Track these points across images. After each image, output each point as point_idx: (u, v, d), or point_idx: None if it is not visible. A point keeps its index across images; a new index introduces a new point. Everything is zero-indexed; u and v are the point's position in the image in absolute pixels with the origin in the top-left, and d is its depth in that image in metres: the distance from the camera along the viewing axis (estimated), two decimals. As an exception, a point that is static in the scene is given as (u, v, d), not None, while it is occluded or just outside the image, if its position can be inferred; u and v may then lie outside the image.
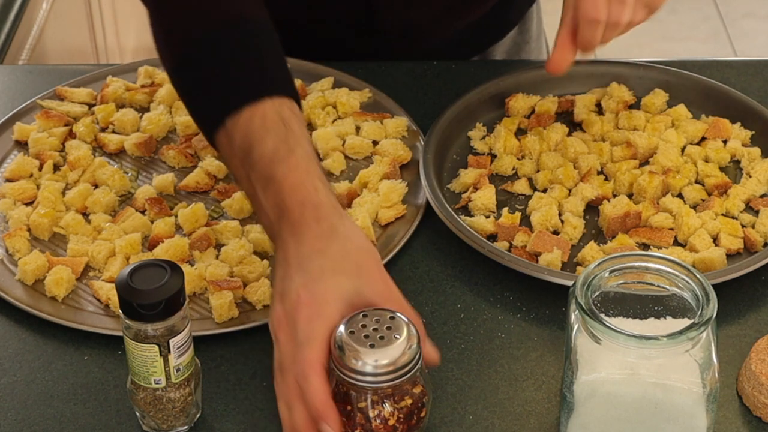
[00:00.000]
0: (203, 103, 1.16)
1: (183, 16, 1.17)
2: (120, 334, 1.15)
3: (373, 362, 0.96)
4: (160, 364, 1.02)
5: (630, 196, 1.30)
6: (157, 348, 1.01)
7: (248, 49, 1.15)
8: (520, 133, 1.40)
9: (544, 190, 1.31)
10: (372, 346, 0.96)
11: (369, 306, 1.00)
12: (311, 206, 1.05)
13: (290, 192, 1.06)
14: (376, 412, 0.98)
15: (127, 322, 1.01)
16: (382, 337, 0.97)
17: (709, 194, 1.30)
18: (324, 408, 0.98)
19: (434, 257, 1.26)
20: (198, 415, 1.09)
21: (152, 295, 0.99)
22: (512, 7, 1.60)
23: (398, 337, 0.97)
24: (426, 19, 1.50)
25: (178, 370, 1.03)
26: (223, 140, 1.12)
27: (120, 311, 1.01)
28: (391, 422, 0.98)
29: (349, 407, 0.98)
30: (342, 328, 0.97)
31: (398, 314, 0.99)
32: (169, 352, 1.02)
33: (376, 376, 0.96)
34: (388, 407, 0.98)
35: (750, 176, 1.32)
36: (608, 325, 0.95)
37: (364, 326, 0.98)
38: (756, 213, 1.28)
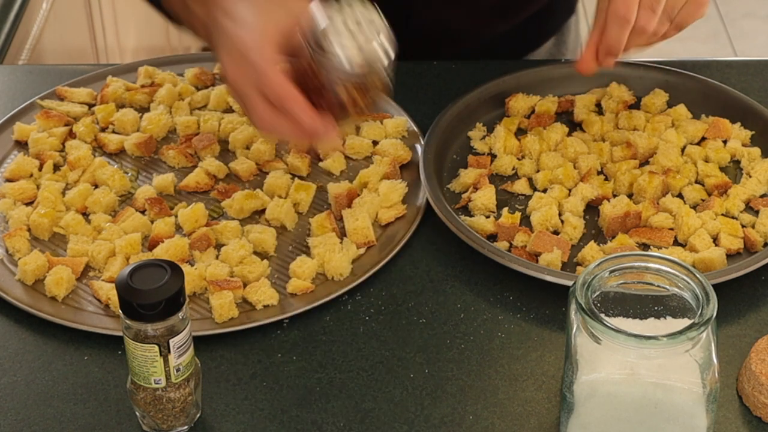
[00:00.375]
0: None
1: None
2: (120, 334, 1.15)
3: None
4: (160, 364, 1.02)
5: (630, 196, 1.30)
6: (157, 348, 1.01)
7: None
8: (520, 133, 1.40)
9: (544, 190, 1.31)
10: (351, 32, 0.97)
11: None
12: None
13: None
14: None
15: (127, 322, 1.01)
16: (358, 24, 0.97)
17: (709, 194, 1.31)
18: (310, 119, 1.04)
19: (434, 257, 1.26)
20: (198, 415, 1.09)
21: (152, 295, 0.99)
22: (551, 18, 1.61)
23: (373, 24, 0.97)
24: (463, 23, 1.50)
25: (178, 370, 1.03)
26: None
27: (120, 311, 1.01)
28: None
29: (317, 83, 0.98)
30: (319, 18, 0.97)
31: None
32: (169, 352, 1.02)
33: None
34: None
35: (750, 176, 1.32)
36: (608, 325, 0.95)
37: (340, 15, 0.98)
38: (756, 213, 1.28)
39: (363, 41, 0.97)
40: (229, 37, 1.09)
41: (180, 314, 1.01)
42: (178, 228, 1.28)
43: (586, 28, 1.69)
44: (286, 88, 1.05)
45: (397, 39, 1.42)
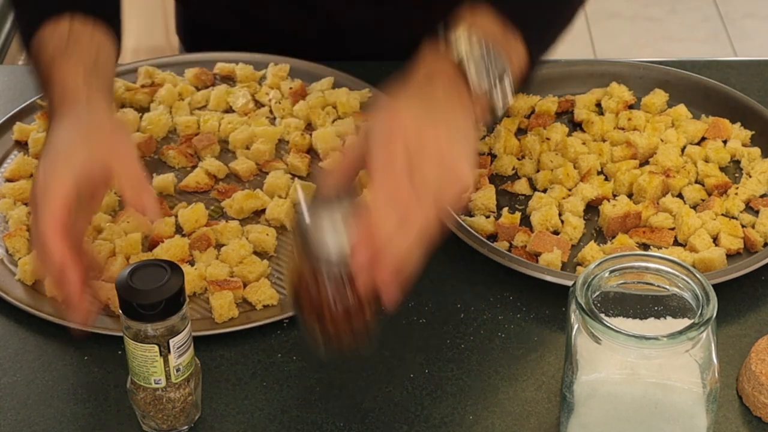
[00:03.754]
0: (20, 21, 1.21)
1: None
2: (120, 334, 1.15)
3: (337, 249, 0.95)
4: (160, 364, 1.02)
5: (630, 196, 1.30)
6: (157, 348, 1.01)
7: None
8: (520, 133, 1.40)
9: (544, 190, 1.31)
10: (329, 230, 0.96)
11: (104, 163, 1.03)
12: (66, 91, 1.10)
13: (58, 89, 1.11)
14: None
15: (127, 322, 1.01)
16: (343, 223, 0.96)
17: (709, 194, 1.30)
18: (58, 268, 1.02)
19: (434, 257, 1.25)
20: (198, 415, 1.09)
21: (152, 295, 0.99)
22: None
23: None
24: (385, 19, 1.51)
25: (178, 370, 1.03)
26: (30, 59, 1.18)
27: (120, 311, 1.01)
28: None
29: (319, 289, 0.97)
30: (305, 206, 0.97)
31: None
32: (169, 352, 1.02)
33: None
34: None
35: (750, 176, 1.32)
36: (608, 325, 0.95)
37: (330, 210, 0.97)
38: (756, 213, 1.28)
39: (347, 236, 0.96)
40: (38, 168, 1.07)
41: (180, 314, 1.01)
42: (178, 228, 1.28)
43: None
44: (65, 259, 1.03)
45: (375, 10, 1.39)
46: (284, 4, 1.52)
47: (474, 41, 1.05)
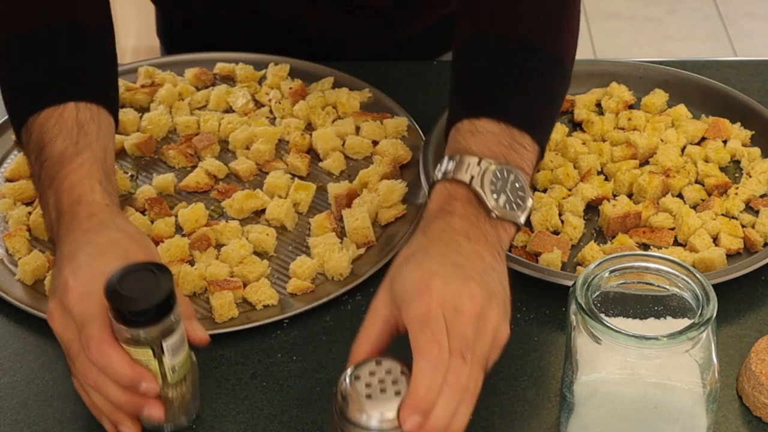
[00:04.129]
0: (12, 99, 1.17)
1: (17, 8, 1.17)
2: (120, 334, 1.15)
3: (378, 416, 0.92)
4: (155, 366, 1.02)
5: (630, 196, 1.30)
6: (150, 351, 1.01)
7: (68, 53, 1.16)
8: (520, 133, 1.39)
9: (544, 190, 1.31)
10: (369, 396, 0.93)
11: None
12: (84, 204, 1.06)
13: (68, 192, 1.07)
14: None
15: (119, 326, 1.00)
16: (383, 390, 0.93)
17: (709, 194, 1.31)
18: (135, 372, 0.99)
19: (434, 257, 1.25)
20: (198, 411, 1.09)
21: (142, 301, 0.98)
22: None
23: (399, 393, 0.93)
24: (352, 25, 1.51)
25: (173, 371, 1.03)
26: (25, 138, 1.14)
27: (110, 316, 1.00)
28: None
29: None
30: (349, 371, 0.94)
31: (410, 370, 0.93)
32: (163, 353, 1.01)
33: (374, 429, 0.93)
34: None
35: (750, 176, 1.32)
36: (608, 325, 0.95)
37: (372, 374, 0.94)
38: (756, 213, 1.28)
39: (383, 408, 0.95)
40: (61, 291, 1.02)
41: (171, 316, 1.00)
42: (178, 228, 1.28)
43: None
44: (137, 370, 1.00)
45: (347, 18, 1.39)
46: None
47: (483, 166, 1.03)
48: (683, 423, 0.99)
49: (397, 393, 0.93)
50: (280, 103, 1.43)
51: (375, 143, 1.38)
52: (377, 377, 0.94)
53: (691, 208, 1.28)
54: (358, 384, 0.94)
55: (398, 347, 0.97)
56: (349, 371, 0.95)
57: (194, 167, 1.36)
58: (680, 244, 1.25)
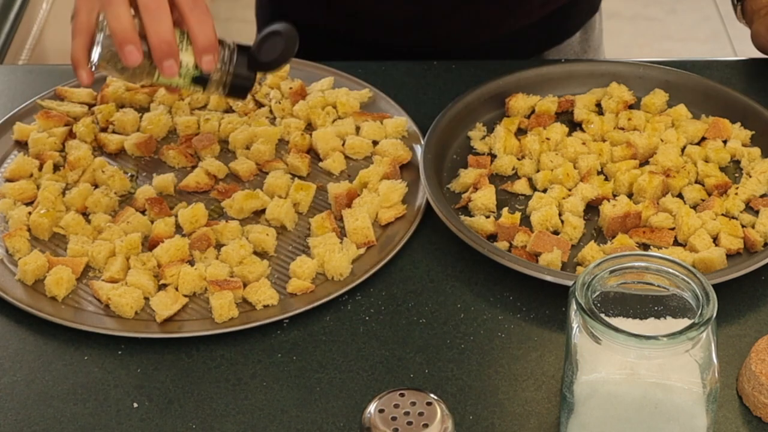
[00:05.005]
0: None
1: None
2: (120, 334, 1.15)
3: None
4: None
5: (630, 196, 1.30)
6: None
7: None
8: (520, 133, 1.40)
9: (544, 190, 1.31)
10: (395, 430, 0.91)
11: None
12: None
13: None
14: None
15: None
16: (410, 423, 0.92)
17: (709, 194, 1.31)
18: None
19: (434, 257, 1.26)
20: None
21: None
22: (574, 14, 1.61)
23: (427, 425, 0.91)
24: (478, 16, 1.51)
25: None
26: None
27: None
28: None
29: None
30: (373, 406, 0.93)
31: (436, 401, 0.93)
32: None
33: None
34: None
35: (750, 176, 1.32)
36: (608, 325, 0.94)
37: (396, 406, 0.93)
38: (756, 213, 1.28)
39: None
40: None
41: None
42: (178, 228, 1.28)
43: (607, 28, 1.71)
44: None
45: (416, 36, 1.40)
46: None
47: None
48: (683, 423, 0.99)
49: (425, 425, 0.91)
50: (280, 103, 1.43)
51: (375, 143, 1.38)
52: (402, 409, 0.92)
53: (691, 208, 1.28)
54: (382, 417, 0.92)
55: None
56: (372, 405, 0.93)
57: (194, 167, 1.36)
58: (680, 244, 1.25)
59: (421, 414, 0.92)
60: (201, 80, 1.20)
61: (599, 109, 1.43)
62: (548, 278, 1.19)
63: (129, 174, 1.35)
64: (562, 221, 1.27)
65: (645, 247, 1.25)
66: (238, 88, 1.22)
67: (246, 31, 4.03)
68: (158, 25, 1.15)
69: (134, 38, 1.15)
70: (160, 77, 1.19)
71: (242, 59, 1.20)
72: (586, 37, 1.66)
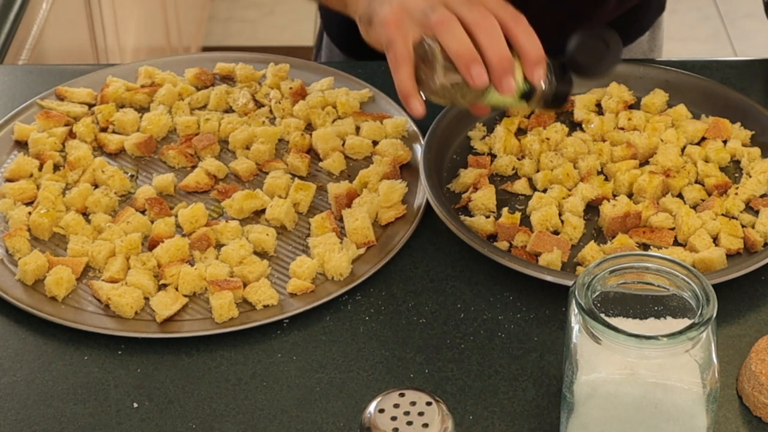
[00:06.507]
0: None
1: None
2: (120, 334, 1.15)
3: None
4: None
5: (630, 196, 1.30)
6: None
7: None
8: (520, 133, 1.40)
9: (544, 190, 1.31)
10: (395, 430, 0.91)
11: None
12: None
13: None
14: None
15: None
16: (410, 423, 0.91)
17: (709, 194, 1.31)
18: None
19: (434, 257, 1.26)
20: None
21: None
22: (645, 15, 1.62)
23: (427, 425, 0.91)
24: (549, 20, 1.51)
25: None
26: None
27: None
28: None
29: None
30: (373, 406, 0.92)
31: (436, 401, 0.93)
32: None
33: None
34: None
35: (750, 176, 1.32)
36: (608, 325, 0.94)
37: (396, 406, 0.92)
38: (756, 213, 1.28)
39: None
40: None
41: None
42: (178, 228, 1.28)
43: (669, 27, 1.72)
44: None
45: None
46: None
47: None
48: (683, 423, 0.99)
49: (425, 425, 0.91)
50: (280, 103, 1.43)
51: (375, 143, 1.38)
52: (402, 409, 0.92)
53: (691, 208, 1.28)
54: (382, 417, 0.92)
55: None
56: (372, 405, 0.93)
57: (194, 167, 1.36)
58: (680, 244, 1.25)
59: (421, 414, 0.92)
60: (528, 95, 1.15)
61: (599, 109, 1.43)
62: (548, 278, 1.19)
63: (129, 174, 1.35)
64: (562, 221, 1.27)
65: (645, 247, 1.25)
66: (561, 97, 1.17)
67: (246, 31, 4.04)
68: (495, 41, 1.11)
69: (479, 58, 1.11)
70: (492, 96, 1.14)
71: (559, 67, 1.16)
72: (653, 36, 1.66)
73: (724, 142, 1.38)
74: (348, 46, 1.63)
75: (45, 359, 1.15)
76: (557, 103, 1.18)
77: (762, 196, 1.31)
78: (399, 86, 1.14)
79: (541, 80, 1.14)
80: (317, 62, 1.53)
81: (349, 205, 1.29)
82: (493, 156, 1.36)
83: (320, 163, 1.36)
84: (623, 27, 1.60)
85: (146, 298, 1.20)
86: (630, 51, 1.64)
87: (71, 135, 1.40)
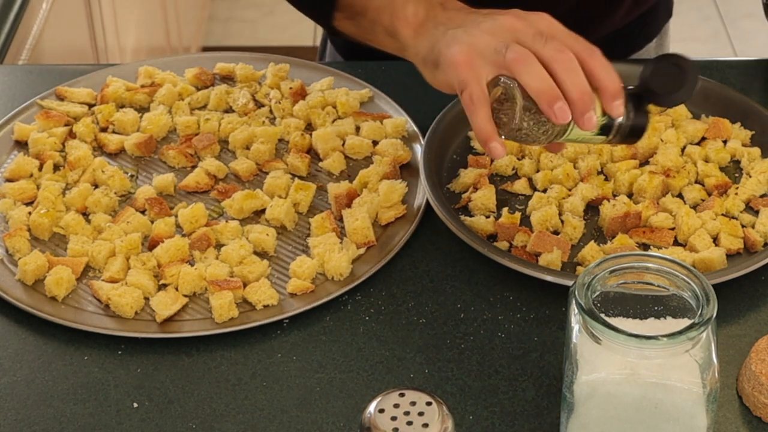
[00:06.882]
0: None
1: None
2: (120, 334, 1.15)
3: None
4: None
5: (630, 196, 1.30)
6: None
7: None
8: (520, 133, 1.39)
9: (544, 190, 1.31)
10: (395, 430, 0.90)
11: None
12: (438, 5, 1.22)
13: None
14: None
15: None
16: (410, 423, 0.91)
17: (709, 194, 1.31)
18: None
19: (434, 257, 1.26)
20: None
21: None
22: (653, 20, 1.62)
23: (427, 425, 0.90)
24: (571, 23, 1.51)
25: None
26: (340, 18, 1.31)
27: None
28: None
29: None
30: (373, 406, 0.92)
31: (436, 401, 0.92)
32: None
33: None
34: None
35: (750, 176, 1.32)
36: (608, 325, 0.94)
37: (396, 406, 0.92)
38: (756, 213, 1.28)
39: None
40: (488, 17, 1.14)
41: None
42: (178, 228, 1.28)
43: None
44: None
45: None
46: None
47: None
48: (683, 423, 0.99)
49: (425, 425, 0.90)
50: (280, 103, 1.43)
51: (375, 143, 1.38)
52: (402, 409, 0.92)
53: (691, 208, 1.28)
54: (382, 417, 0.91)
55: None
56: (372, 405, 0.92)
57: (194, 167, 1.36)
58: (680, 244, 1.25)
59: (421, 414, 0.92)
60: (606, 128, 1.13)
61: (599, 109, 1.42)
62: (548, 278, 1.19)
63: (129, 174, 1.35)
64: (562, 221, 1.27)
65: (645, 247, 1.25)
66: (639, 129, 1.14)
67: (246, 31, 4.04)
68: (576, 77, 1.09)
69: (561, 95, 1.08)
70: (572, 132, 1.12)
71: (635, 99, 1.13)
72: (661, 43, 1.67)
73: (724, 142, 1.38)
74: (352, 55, 1.63)
75: (45, 359, 1.15)
76: (635, 136, 1.15)
77: (762, 196, 1.31)
78: (478, 130, 1.11)
79: (620, 112, 1.11)
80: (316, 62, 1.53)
81: (349, 205, 1.29)
82: (493, 156, 1.36)
83: (320, 163, 1.36)
84: (632, 34, 1.60)
85: (146, 298, 1.20)
86: (639, 56, 1.64)
87: (71, 135, 1.40)
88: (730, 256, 1.23)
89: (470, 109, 1.11)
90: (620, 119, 1.12)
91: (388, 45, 1.28)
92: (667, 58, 1.13)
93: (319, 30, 3.93)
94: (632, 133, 1.14)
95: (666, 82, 1.13)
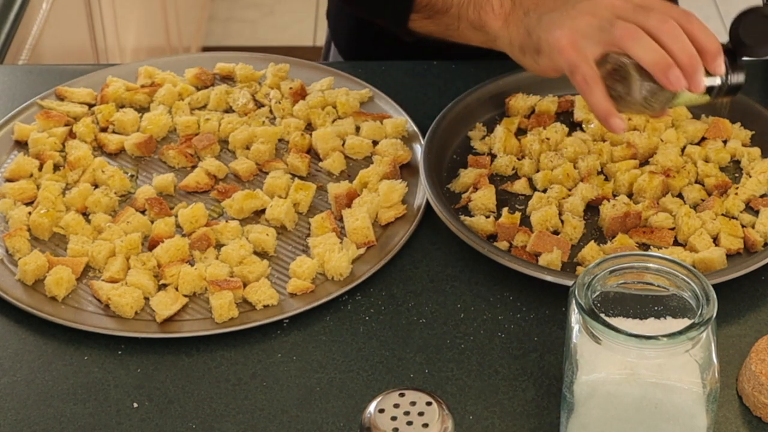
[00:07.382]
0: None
1: None
2: (120, 334, 1.15)
3: None
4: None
5: (630, 196, 1.30)
6: None
7: None
8: (520, 133, 1.40)
9: (544, 190, 1.31)
10: (395, 430, 0.90)
11: None
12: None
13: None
14: None
15: None
16: (410, 423, 0.91)
17: (709, 194, 1.31)
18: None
19: (434, 257, 1.26)
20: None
21: None
22: None
23: (427, 425, 0.91)
24: None
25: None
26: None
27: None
28: None
29: None
30: (373, 406, 0.92)
31: (436, 401, 0.92)
32: None
33: None
34: None
35: (750, 176, 1.32)
36: (608, 325, 0.94)
37: (396, 406, 0.92)
38: (756, 213, 1.28)
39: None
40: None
41: None
42: (178, 228, 1.28)
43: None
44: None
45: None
46: None
47: None
48: (683, 423, 0.99)
49: (425, 425, 0.90)
50: (280, 103, 1.43)
51: (375, 143, 1.38)
52: (402, 409, 0.92)
53: (691, 208, 1.28)
54: (382, 417, 0.91)
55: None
56: (372, 405, 0.92)
57: (194, 167, 1.36)
58: (680, 244, 1.25)
59: (421, 414, 0.92)
60: (710, 88, 1.17)
61: (599, 109, 1.42)
62: (548, 278, 1.19)
63: (129, 174, 1.35)
64: (562, 221, 1.27)
65: (645, 247, 1.25)
66: (737, 84, 1.19)
67: (246, 31, 4.04)
68: (682, 43, 1.13)
69: (673, 63, 1.13)
70: (683, 96, 1.16)
71: (730, 55, 1.18)
72: None
73: (724, 142, 1.38)
74: (356, 58, 1.63)
75: (45, 359, 1.15)
76: (735, 91, 1.19)
77: (762, 196, 1.31)
78: (596, 108, 1.16)
79: (722, 70, 1.16)
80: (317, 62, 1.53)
81: (349, 205, 1.29)
82: (493, 156, 1.36)
83: (320, 163, 1.36)
84: None
85: (146, 298, 1.20)
86: None
87: (71, 135, 1.40)
88: (730, 256, 1.23)
89: (585, 89, 1.15)
90: (721, 77, 1.17)
91: (473, 39, 1.30)
92: (754, 11, 1.17)
93: (319, 30, 3.93)
94: (732, 89, 1.18)
95: (756, 34, 1.17)
